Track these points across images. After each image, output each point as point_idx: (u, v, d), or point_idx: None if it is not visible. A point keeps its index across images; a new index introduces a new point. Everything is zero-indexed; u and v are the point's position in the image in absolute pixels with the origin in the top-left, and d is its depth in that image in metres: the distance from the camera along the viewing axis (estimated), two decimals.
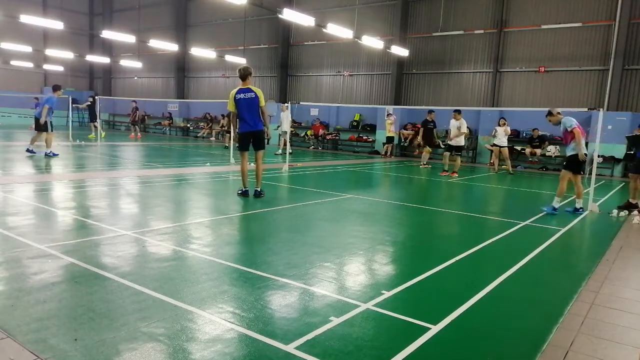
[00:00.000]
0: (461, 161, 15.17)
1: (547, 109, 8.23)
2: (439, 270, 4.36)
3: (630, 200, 8.27)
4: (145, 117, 30.79)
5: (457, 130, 12.87)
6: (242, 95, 7.68)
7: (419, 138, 15.50)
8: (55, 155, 12.66)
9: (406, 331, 3.04)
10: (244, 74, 7.73)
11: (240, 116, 7.77)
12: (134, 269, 4.00)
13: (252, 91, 7.67)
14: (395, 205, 8.22)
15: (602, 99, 16.46)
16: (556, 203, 7.73)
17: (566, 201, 8.73)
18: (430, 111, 14.81)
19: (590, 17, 16.60)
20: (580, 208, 7.91)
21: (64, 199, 7.09)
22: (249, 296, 3.48)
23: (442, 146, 16.49)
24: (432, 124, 14.85)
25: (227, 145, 19.79)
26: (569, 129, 7.68)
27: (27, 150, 12.66)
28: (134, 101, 23.88)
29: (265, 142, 8.07)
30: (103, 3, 33.09)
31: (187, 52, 26.86)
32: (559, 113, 8.03)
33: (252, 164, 8.22)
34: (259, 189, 7.93)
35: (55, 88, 13.07)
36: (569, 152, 7.79)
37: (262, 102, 7.72)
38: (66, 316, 3.00)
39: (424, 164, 15.37)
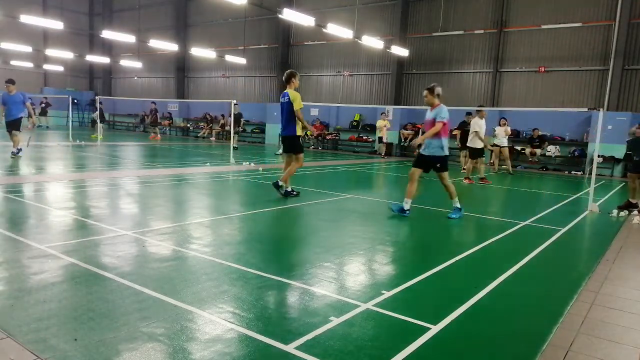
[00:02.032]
0: (460, 161, 15.14)
1: (547, 109, 8.04)
2: (439, 270, 4.36)
3: (630, 199, 8.26)
4: (145, 117, 30.84)
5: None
6: (281, 100, 7.93)
7: (457, 141, 14.68)
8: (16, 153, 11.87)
9: (406, 331, 3.04)
10: (285, 78, 7.87)
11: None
12: (134, 269, 4.00)
13: (287, 95, 7.76)
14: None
15: (602, 99, 16.45)
16: (406, 204, 6.90)
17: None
18: (469, 113, 13.98)
19: (590, 17, 16.60)
20: (460, 208, 7.05)
21: (64, 199, 7.09)
22: (249, 296, 3.48)
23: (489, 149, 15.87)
24: (470, 127, 13.81)
25: (235, 146, 19.80)
26: (442, 119, 6.70)
27: (16, 152, 11.92)
28: (153, 102, 23.86)
29: (300, 145, 8.09)
30: (103, 3, 33.08)
31: (187, 52, 26.88)
32: (439, 96, 6.91)
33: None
34: (280, 183, 7.90)
35: (6, 82, 11.95)
36: (438, 151, 6.83)
37: (296, 106, 7.72)
38: (66, 316, 3.00)
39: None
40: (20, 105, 11.98)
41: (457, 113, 18.76)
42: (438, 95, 6.89)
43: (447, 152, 6.92)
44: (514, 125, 16.71)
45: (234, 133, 19.83)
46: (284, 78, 7.94)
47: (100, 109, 21.80)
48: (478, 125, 11.79)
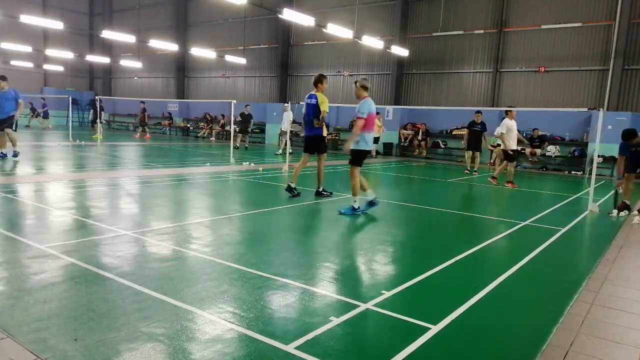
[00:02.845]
0: (460, 161, 15.14)
1: (547, 109, 8.03)
2: (439, 270, 4.36)
3: (625, 200, 8.24)
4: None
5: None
6: (307, 100, 8.11)
7: (463, 141, 14.65)
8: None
9: (406, 331, 3.04)
10: (314, 81, 8.10)
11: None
12: (134, 269, 4.00)
13: (315, 97, 7.94)
14: (395, 205, 8.22)
15: (602, 99, 16.45)
16: (356, 203, 6.88)
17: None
18: (478, 112, 13.85)
19: (590, 17, 16.60)
20: (359, 207, 6.86)
21: (64, 199, 7.09)
22: (249, 296, 3.48)
23: (492, 148, 15.84)
24: (479, 126, 13.79)
25: (246, 146, 19.88)
26: (360, 115, 6.68)
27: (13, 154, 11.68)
28: (142, 102, 24.07)
29: (325, 146, 8.38)
30: (103, 3, 33.07)
31: (187, 52, 26.87)
32: (365, 88, 6.94)
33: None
34: (320, 189, 8.34)
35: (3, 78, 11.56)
36: (355, 145, 6.83)
37: (323, 107, 7.92)
38: (66, 316, 3.00)
39: (469, 170, 14.09)
40: (13, 102, 11.57)
41: (458, 113, 18.87)
42: (364, 87, 6.96)
43: (363, 147, 6.84)
44: None
45: (245, 133, 20.05)
46: (312, 81, 8.18)
47: (101, 107, 21.91)
48: (506, 126, 11.22)
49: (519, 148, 11.17)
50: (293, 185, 8.14)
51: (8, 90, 11.62)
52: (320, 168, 8.32)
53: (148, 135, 24.11)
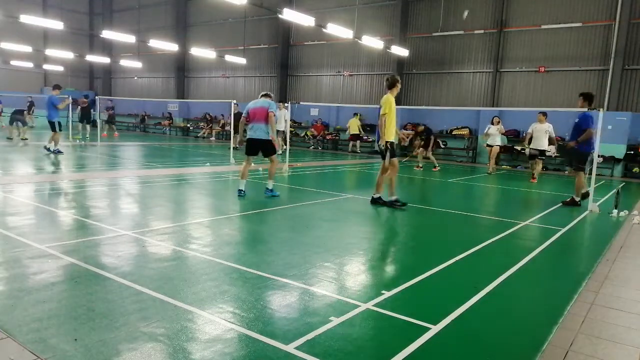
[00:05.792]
0: (460, 161, 15.14)
1: (547, 109, 8.14)
2: (439, 270, 4.36)
3: (575, 197, 8.54)
4: (145, 117, 30.89)
5: (545, 133, 12.24)
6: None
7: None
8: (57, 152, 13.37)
9: (406, 331, 3.04)
10: (390, 83, 7.98)
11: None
12: (134, 269, 4.00)
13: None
14: None
15: (602, 99, 16.45)
16: (240, 184, 7.93)
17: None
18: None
19: (590, 17, 16.59)
20: (272, 189, 7.96)
21: (64, 199, 7.09)
22: (249, 296, 3.48)
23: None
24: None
25: (236, 146, 19.96)
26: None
27: (46, 149, 13.41)
28: (110, 100, 24.45)
29: (381, 152, 7.84)
30: (103, 3, 33.06)
31: (187, 52, 26.85)
32: (265, 96, 8.27)
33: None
34: (374, 195, 7.78)
35: (54, 87, 13.90)
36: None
37: (382, 110, 7.57)
38: (66, 316, 3.00)
39: (420, 167, 15.11)
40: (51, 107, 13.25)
41: (458, 113, 18.87)
42: (268, 96, 8.27)
43: (246, 136, 8.01)
44: (514, 125, 16.71)
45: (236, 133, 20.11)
46: (388, 83, 7.96)
47: (83, 107, 21.63)
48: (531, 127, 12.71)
49: (530, 147, 12.73)
50: (394, 199, 7.53)
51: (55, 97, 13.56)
52: (388, 176, 7.58)
53: (116, 133, 24.49)
